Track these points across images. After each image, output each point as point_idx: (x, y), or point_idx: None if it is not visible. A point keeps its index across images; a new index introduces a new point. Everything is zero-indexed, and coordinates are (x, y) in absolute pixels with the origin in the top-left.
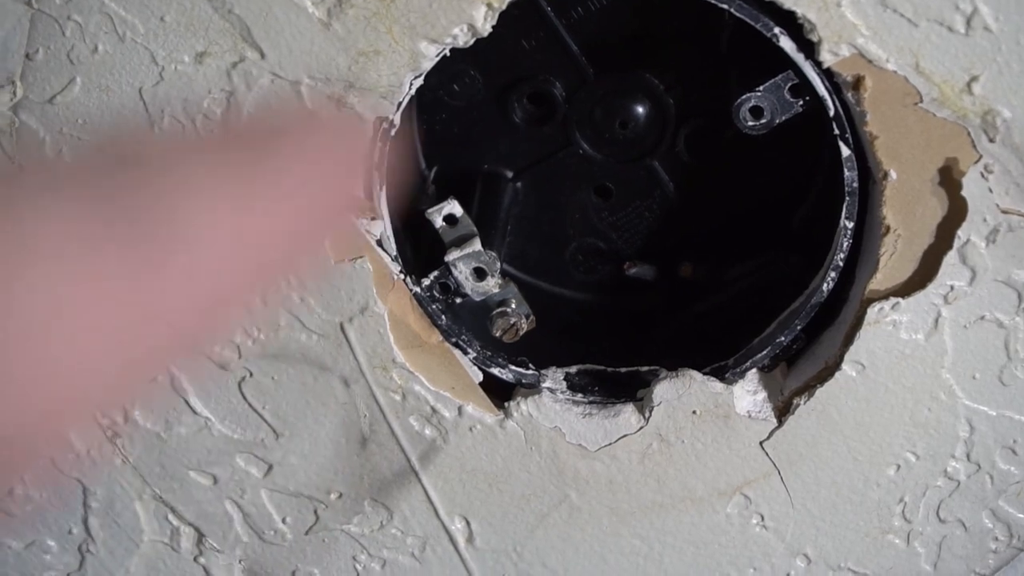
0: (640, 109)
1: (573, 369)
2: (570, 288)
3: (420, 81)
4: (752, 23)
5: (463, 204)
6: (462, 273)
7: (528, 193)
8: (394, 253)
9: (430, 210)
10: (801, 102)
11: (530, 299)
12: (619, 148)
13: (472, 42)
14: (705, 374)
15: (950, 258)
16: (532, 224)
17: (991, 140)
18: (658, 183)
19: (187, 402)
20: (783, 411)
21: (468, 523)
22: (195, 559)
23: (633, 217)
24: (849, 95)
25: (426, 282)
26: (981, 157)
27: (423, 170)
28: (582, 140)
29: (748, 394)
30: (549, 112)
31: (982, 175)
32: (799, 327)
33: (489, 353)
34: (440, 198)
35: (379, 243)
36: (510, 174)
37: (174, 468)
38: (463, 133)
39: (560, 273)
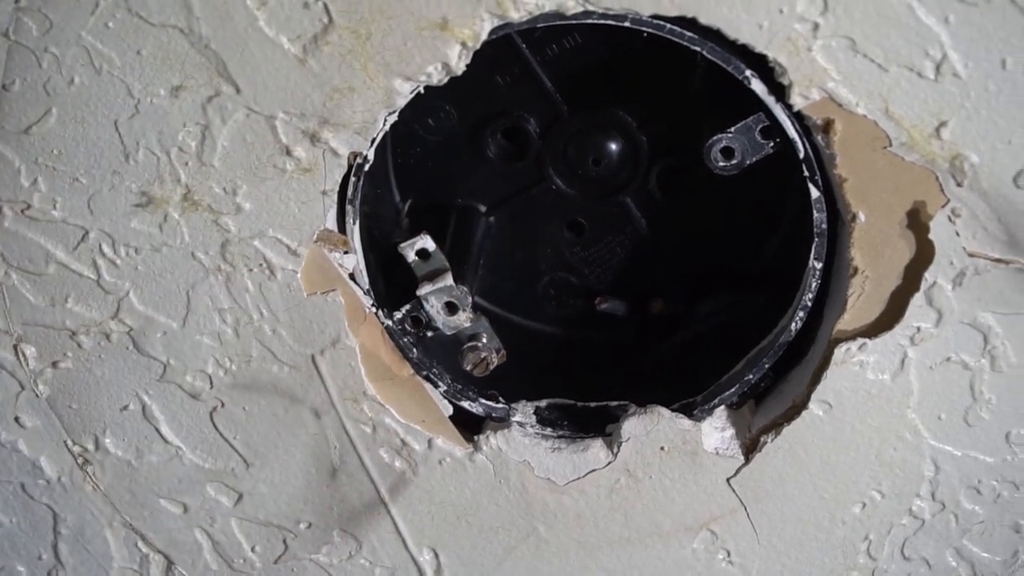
0: (613, 146)
1: (543, 403)
2: (541, 322)
3: (394, 117)
4: (724, 65)
5: (436, 237)
6: (434, 307)
7: (501, 228)
8: (366, 287)
9: (403, 244)
10: (771, 144)
11: (501, 333)
12: (592, 184)
13: (446, 80)
14: (673, 410)
15: (917, 300)
16: (505, 258)
17: (959, 184)
18: (630, 219)
19: (158, 431)
20: (750, 448)
21: (436, 555)
22: None
23: (605, 253)
24: (819, 138)
25: (398, 315)
26: (949, 201)
27: (397, 203)
28: (555, 176)
29: (716, 431)
30: (523, 148)
31: (949, 219)
32: (767, 365)
33: (460, 386)
34: (413, 231)
35: (351, 276)
36: (484, 208)
37: (144, 496)
38: (437, 167)
39: (532, 307)
